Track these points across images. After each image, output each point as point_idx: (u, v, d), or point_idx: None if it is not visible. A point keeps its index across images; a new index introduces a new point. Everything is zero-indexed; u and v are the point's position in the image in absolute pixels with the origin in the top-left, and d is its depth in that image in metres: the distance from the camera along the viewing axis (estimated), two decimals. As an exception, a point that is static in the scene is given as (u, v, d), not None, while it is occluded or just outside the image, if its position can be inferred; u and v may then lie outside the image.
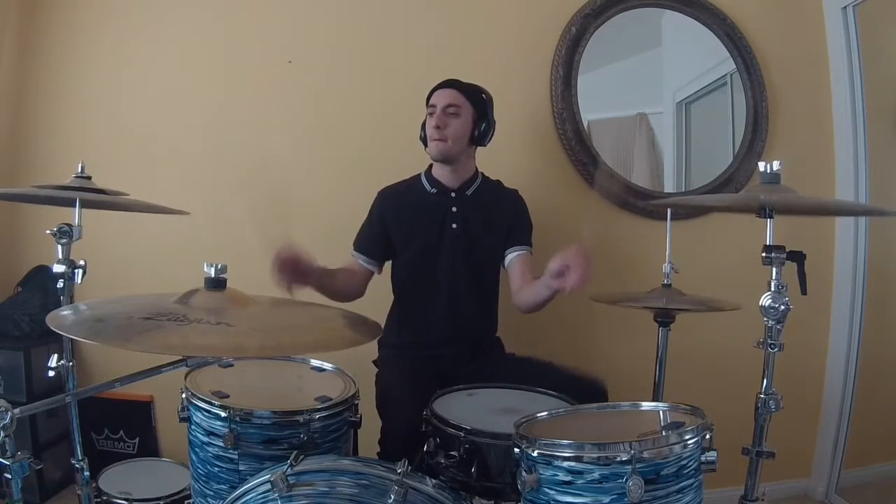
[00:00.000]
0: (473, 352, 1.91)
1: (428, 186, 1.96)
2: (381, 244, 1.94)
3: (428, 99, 1.95)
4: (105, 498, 1.75)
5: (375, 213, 1.97)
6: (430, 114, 1.91)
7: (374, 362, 1.93)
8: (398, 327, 1.94)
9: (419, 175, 2.01)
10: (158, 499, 1.76)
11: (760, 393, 1.46)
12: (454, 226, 1.92)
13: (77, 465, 1.61)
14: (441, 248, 1.90)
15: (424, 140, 1.95)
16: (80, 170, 1.61)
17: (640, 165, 2.52)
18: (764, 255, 1.41)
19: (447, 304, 1.90)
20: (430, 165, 1.99)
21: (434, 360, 1.84)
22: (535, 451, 1.13)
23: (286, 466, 1.16)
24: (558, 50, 2.42)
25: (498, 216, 1.96)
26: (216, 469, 1.39)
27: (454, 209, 1.93)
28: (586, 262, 1.42)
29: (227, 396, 1.41)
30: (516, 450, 1.18)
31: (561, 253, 1.46)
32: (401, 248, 1.94)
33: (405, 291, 1.98)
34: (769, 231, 1.43)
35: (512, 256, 1.94)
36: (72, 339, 1.51)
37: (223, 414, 1.36)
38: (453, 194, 1.94)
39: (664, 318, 1.90)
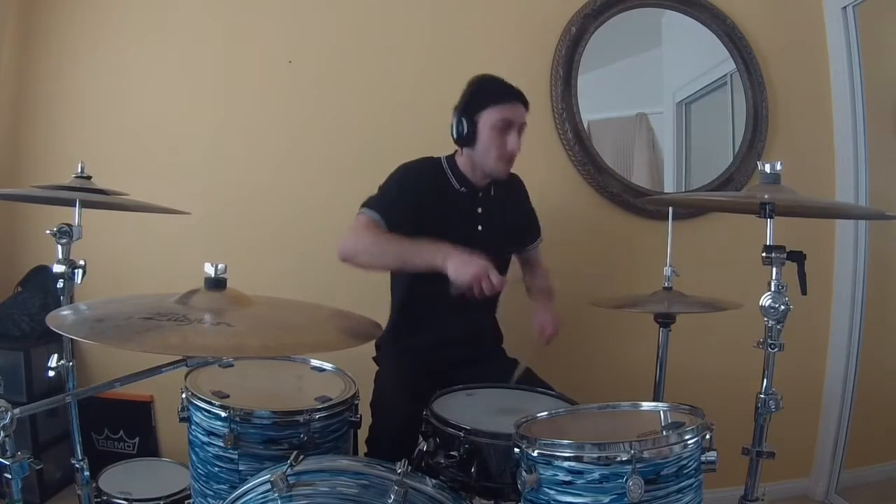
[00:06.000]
0: (475, 354, 1.89)
1: (456, 183, 1.85)
2: (403, 221, 1.71)
3: (483, 101, 1.75)
4: (105, 498, 1.75)
5: (411, 189, 1.78)
6: (502, 129, 1.74)
7: (374, 359, 1.91)
8: (403, 329, 1.87)
9: (439, 162, 1.88)
10: (158, 499, 1.76)
11: (760, 393, 1.46)
12: (479, 228, 1.86)
13: (77, 465, 1.61)
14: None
15: (462, 141, 1.79)
16: (80, 170, 1.61)
17: (640, 165, 2.52)
18: (764, 255, 1.40)
19: (459, 308, 1.65)
20: (454, 157, 1.88)
21: (436, 361, 1.82)
22: (535, 451, 1.13)
23: (286, 466, 1.16)
24: (558, 50, 2.42)
25: (513, 214, 1.94)
26: (216, 469, 1.39)
27: (479, 210, 1.87)
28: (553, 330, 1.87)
29: (227, 396, 1.41)
30: (516, 450, 1.18)
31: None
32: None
33: (415, 292, 1.85)
34: (769, 231, 1.42)
35: (529, 252, 2.04)
36: (72, 339, 1.51)
37: (223, 414, 1.36)
38: (480, 194, 1.88)
39: (665, 318, 1.89)
